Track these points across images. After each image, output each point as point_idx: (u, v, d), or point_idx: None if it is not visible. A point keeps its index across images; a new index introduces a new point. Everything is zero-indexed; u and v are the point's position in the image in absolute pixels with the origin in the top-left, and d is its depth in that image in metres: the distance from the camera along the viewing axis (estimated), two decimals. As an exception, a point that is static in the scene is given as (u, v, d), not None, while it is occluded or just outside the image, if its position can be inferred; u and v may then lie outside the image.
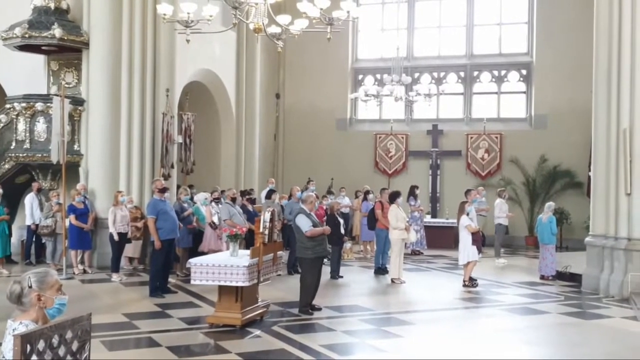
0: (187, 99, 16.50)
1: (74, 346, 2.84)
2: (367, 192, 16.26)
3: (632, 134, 11.03)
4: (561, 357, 7.67)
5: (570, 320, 9.53)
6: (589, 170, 14.77)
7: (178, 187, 14.37)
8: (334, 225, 11.68)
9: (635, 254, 10.96)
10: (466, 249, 12.15)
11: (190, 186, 15.83)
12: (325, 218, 12.53)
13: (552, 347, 8.17)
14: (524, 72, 20.72)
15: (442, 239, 17.63)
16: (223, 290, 8.46)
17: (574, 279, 12.64)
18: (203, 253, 11.93)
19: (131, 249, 13.13)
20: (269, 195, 14.58)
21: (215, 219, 12.52)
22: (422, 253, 16.80)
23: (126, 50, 13.76)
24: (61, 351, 2.76)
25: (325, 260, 10.33)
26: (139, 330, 8.44)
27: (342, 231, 12.72)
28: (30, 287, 3.23)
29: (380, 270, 13.37)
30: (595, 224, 11.96)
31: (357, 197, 17.34)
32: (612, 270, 11.35)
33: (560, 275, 13.06)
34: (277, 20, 9.40)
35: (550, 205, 13.72)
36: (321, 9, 8.61)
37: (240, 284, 8.24)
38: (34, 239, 14.00)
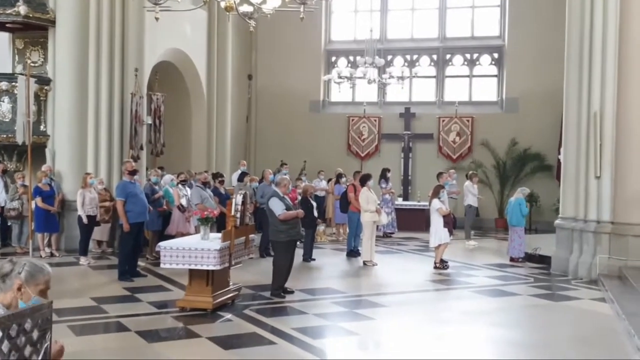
0: (156, 79, 16.23)
1: (34, 335, 2.73)
2: (339, 175, 16.22)
3: (602, 117, 11.12)
4: (530, 340, 7.73)
5: (539, 302, 9.64)
6: (559, 154, 14.94)
7: (147, 169, 14.16)
8: (307, 208, 11.63)
9: (604, 237, 11.10)
10: (437, 232, 12.21)
11: (161, 168, 15.61)
12: (298, 201, 12.46)
13: (521, 329, 8.25)
14: (495, 55, 20.78)
15: (413, 221, 17.70)
16: (194, 273, 8.36)
17: (543, 260, 12.79)
18: (171, 236, 11.82)
19: (100, 232, 12.93)
20: (241, 178, 14.46)
21: (184, 202, 12.37)
22: (393, 235, 16.87)
23: (94, 28, 13.43)
24: (20, 341, 2.65)
25: (298, 242, 10.27)
26: (108, 314, 8.30)
27: (315, 214, 12.68)
28: (20, 274, 3.20)
29: (353, 253, 13.39)
30: (565, 206, 12.09)
31: (330, 180, 17.29)
32: (581, 252, 11.50)
33: (530, 257, 13.21)
34: (249, -1, 9.22)
35: (523, 189, 13.78)
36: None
37: (211, 267, 8.14)
38: (-1, 222, 13.70)
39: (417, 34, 21.56)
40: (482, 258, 13.73)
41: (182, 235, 11.53)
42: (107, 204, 12.81)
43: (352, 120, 21.16)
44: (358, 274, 11.92)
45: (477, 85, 21.06)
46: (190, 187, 12.92)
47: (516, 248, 13.22)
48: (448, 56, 21.22)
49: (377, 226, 13.43)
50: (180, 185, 12.79)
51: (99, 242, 13.25)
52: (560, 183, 13.76)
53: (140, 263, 11.44)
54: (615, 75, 10.99)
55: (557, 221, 12.39)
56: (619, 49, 10.97)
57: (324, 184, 17.33)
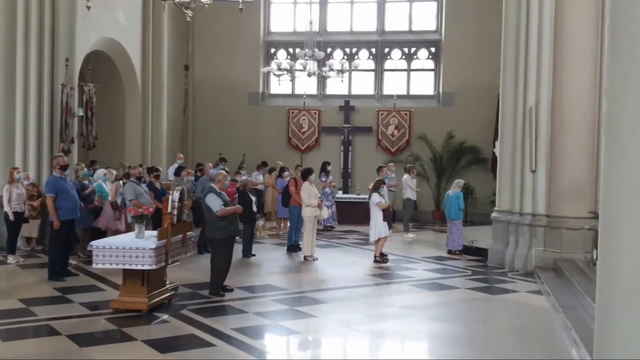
0: (88, 69, 15.68)
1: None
2: (282, 169, 16.07)
3: (538, 111, 11.34)
4: (470, 333, 7.80)
5: (477, 296, 9.76)
6: (494, 147, 15.20)
7: (78, 163, 13.65)
8: (246, 203, 11.46)
9: (539, 230, 11.35)
10: (377, 226, 12.24)
11: (93, 162, 15.13)
12: (236, 196, 12.24)
13: (460, 323, 8.31)
14: (432, 50, 20.99)
15: (353, 214, 17.69)
16: (128, 273, 8.07)
17: (480, 253, 12.99)
18: (100, 230, 11.38)
19: (28, 229, 12.38)
20: (177, 172, 14.09)
21: (119, 200, 11.94)
22: (333, 228, 16.86)
23: (22, 16, 12.84)
24: None
25: (237, 238, 10.07)
26: (37, 317, 7.93)
27: (255, 208, 12.49)
28: None
29: (294, 247, 13.27)
30: (501, 199, 12.29)
31: (270, 173, 17.10)
32: (517, 245, 11.72)
33: (467, 250, 13.40)
34: (186, -11, 8.95)
35: (459, 181, 14.02)
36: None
37: (146, 267, 7.87)
38: None
39: (356, 27, 21.56)
40: (420, 251, 13.86)
41: (113, 232, 11.16)
42: (35, 203, 12.27)
43: (292, 113, 21.01)
44: (299, 269, 11.82)
45: (414, 79, 21.23)
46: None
47: (455, 241, 13.40)
48: (386, 50, 21.31)
49: (318, 220, 13.37)
50: (120, 182, 12.33)
51: (28, 239, 12.71)
52: (495, 176, 14.03)
53: (72, 261, 11.01)
54: (550, 70, 11.22)
55: (493, 214, 12.59)
56: (554, 45, 11.19)
57: (261, 178, 17.14)
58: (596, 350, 3.32)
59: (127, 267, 7.97)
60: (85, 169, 12.66)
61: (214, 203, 9.03)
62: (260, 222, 14.99)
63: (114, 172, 12.99)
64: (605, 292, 3.26)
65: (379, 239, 12.24)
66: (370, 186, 12.79)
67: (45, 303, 8.62)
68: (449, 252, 13.39)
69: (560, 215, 11.13)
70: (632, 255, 3.05)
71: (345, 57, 21.02)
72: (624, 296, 3.09)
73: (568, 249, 10.99)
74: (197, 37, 21.13)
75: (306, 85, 20.38)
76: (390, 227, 12.47)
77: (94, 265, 8.23)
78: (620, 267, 3.11)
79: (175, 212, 8.37)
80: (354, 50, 21.46)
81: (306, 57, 17.17)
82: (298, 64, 17.77)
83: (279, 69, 17.78)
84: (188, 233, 9.00)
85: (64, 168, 10.35)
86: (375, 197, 12.32)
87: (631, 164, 3.05)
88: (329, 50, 20.94)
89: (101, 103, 16.19)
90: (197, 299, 9.03)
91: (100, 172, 12.64)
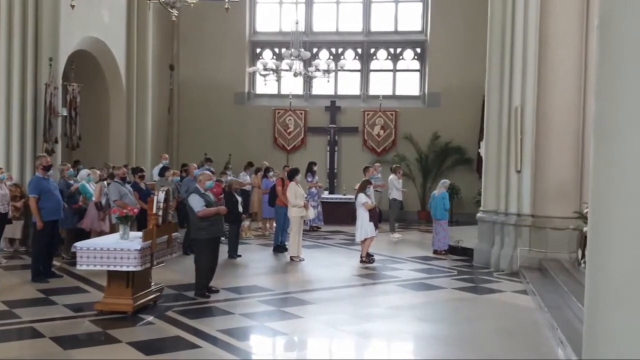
0: (72, 68, 15.53)
1: None
2: (267, 169, 16.01)
3: (523, 112, 11.38)
4: (456, 334, 7.80)
5: (463, 296, 9.78)
6: (479, 147, 15.26)
7: (61, 163, 13.51)
8: (231, 204, 11.39)
9: (525, 229, 11.40)
10: (363, 226, 12.24)
11: (77, 162, 14.98)
12: (222, 196, 12.16)
13: (447, 323, 8.31)
14: (418, 50, 21.03)
15: (339, 214, 17.70)
16: (112, 275, 7.98)
17: (465, 253, 13.03)
18: (84, 231, 11.29)
19: (12, 230, 12.23)
20: (162, 173, 13.98)
21: (103, 200, 11.82)
22: (319, 229, 16.84)
23: (4, 14, 12.71)
24: None
25: (222, 239, 10.01)
26: (20, 319, 7.83)
27: (240, 209, 12.43)
28: None
29: (280, 248, 13.24)
30: (487, 200, 12.33)
31: (256, 173, 17.04)
32: (503, 245, 11.76)
33: (453, 250, 13.42)
34: (171, -12, 8.89)
35: (444, 182, 14.05)
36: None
37: (131, 268, 7.79)
38: None
39: (343, 27, 21.55)
40: (406, 251, 13.87)
41: (97, 233, 11.06)
42: (18, 203, 12.14)
43: (278, 113, 20.96)
44: (285, 270, 11.78)
45: (400, 80, 21.27)
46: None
47: (441, 241, 13.43)
48: (372, 50, 21.33)
49: (304, 220, 13.34)
50: (104, 182, 12.22)
51: (11, 240, 12.56)
52: (480, 176, 14.07)
53: (56, 263, 10.88)
54: (535, 71, 11.27)
55: (478, 214, 12.63)
56: (539, 45, 11.24)
57: (248, 178, 17.08)
58: (585, 350, 3.33)
59: (111, 268, 7.88)
60: (71, 169, 12.51)
61: (195, 203, 8.98)
62: (246, 223, 14.92)
63: (98, 172, 12.87)
64: (594, 292, 3.26)
65: (365, 239, 12.24)
66: (357, 186, 12.79)
67: (28, 305, 8.52)
68: (435, 252, 13.41)
69: (546, 215, 11.19)
70: (621, 255, 3.06)
71: (331, 57, 21.01)
72: (613, 296, 3.10)
73: (553, 249, 11.04)
74: (182, 36, 21.01)
75: (292, 85, 20.34)
76: (376, 227, 12.47)
77: (78, 267, 8.14)
78: (609, 267, 3.12)
79: (160, 212, 8.29)
80: (340, 50, 21.45)
81: (292, 57, 17.14)
82: (284, 64, 17.73)
83: (265, 69, 17.73)
84: (173, 234, 8.94)
85: (47, 168, 10.22)
86: (362, 197, 12.33)
87: (620, 164, 3.05)
88: (315, 50, 20.93)
89: (85, 103, 16.04)
90: (183, 300, 8.97)
91: (84, 172, 12.49)
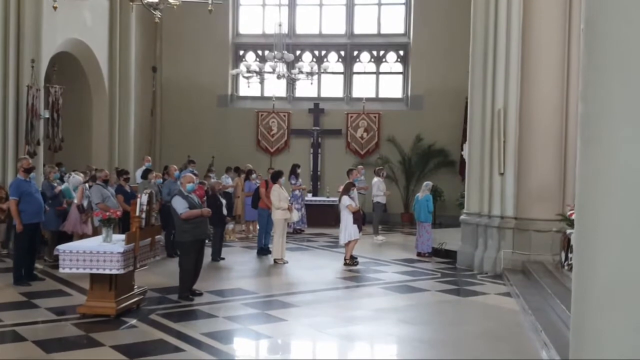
0: (54, 70, 15.38)
1: None
2: (249, 172, 15.97)
3: (506, 114, 11.45)
4: (440, 336, 7.82)
5: (447, 298, 9.81)
6: (462, 150, 15.35)
7: (44, 165, 13.39)
8: (215, 206, 11.34)
9: (508, 232, 11.47)
10: (347, 229, 12.25)
11: (59, 164, 14.84)
12: (205, 198, 12.11)
13: (431, 326, 8.33)
14: (401, 53, 21.11)
15: (323, 217, 17.72)
16: (95, 278, 7.92)
17: (449, 255, 13.08)
18: (67, 234, 11.18)
19: (-8, 233, 12.11)
20: (144, 175, 13.89)
21: (85, 203, 11.72)
22: (303, 231, 16.82)
23: (-15, 15, 12.59)
24: None
25: (206, 241, 9.96)
26: (2, 323, 7.74)
27: (225, 212, 12.39)
28: None
29: (263, 251, 13.21)
30: (470, 202, 12.39)
31: (239, 175, 16.99)
32: (486, 247, 11.82)
33: (436, 252, 13.47)
34: (155, -10, 8.85)
35: (427, 184, 14.09)
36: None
37: (114, 271, 7.74)
38: None
39: (326, 29, 21.58)
40: (390, 253, 13.89)
41: (79, 235, 10.96)
42: (4, 205, 11.98)
43: (261, 115, 20.93)
44: (269, 273, 11.75)
45: (383, 82, 21.34)
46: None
47: (424, 243, 13.47)
48: (355, 52, 21.37)
49: (288, 223, 13.31)
50: (86, 185, 12.10)
51: (-7, 244, 12.42)
52: (463, 178, 14.13)
53: (38, 265, 10.80)
54: (518, 73, 11.35)
55: (462, 217, 12.68)
56: (522, 48, 11.33)
57: (230, 181, 17.01)
58: (572, 352, 3.35)
59: (94, 271, 7.83)
60: (58, 172, 12.36)
61: (178, 205, 8.94)
62: (230, 226, 14.87)
63: (81, 174, 12.75)
64: (581, 294, 3.29)
65: (349, 241, 12.25)
66: (340, 189, 12.79)
67: (10, 308, 8.43)
68: (419, 254, 13.45)
69: (529, 217, 11.26)
70: (608, 257, 3.09)
71: (315, 59, 21.05)
72: (600, 297, 3.12)
73: (536, 251, 11.11)
74: (165, 38, 20.92)
75: (275, 87, 20.35)
76: (360, 230, 12.48)
77: (60, 270, 8.07)
78: (596, 269, 3.14)
79: (143, 215, 8.24)
80: (323, 52, 21.48)
81: (275, 60, 17.13)
82: (267, 66, 17.72)
83: (248, 71, 17.70)
84: (156, 236, 8.88)
85: (28, 171, 10.11)
86: (346, 199, 12.34)
87: (606, 166, 3.08)
88: (298, 52, 20.91)
89: (67, 105, 15.87)
90: (166, 303, 8.91)
91: (78, 179, 12.29)
